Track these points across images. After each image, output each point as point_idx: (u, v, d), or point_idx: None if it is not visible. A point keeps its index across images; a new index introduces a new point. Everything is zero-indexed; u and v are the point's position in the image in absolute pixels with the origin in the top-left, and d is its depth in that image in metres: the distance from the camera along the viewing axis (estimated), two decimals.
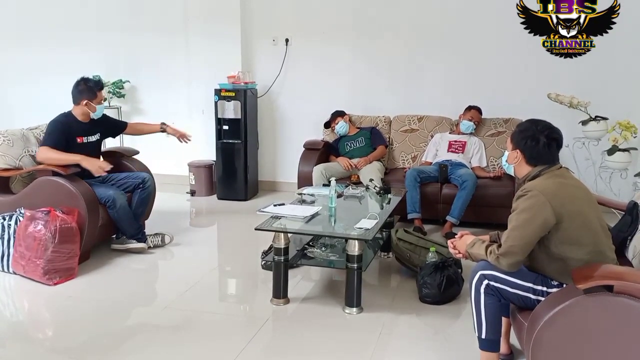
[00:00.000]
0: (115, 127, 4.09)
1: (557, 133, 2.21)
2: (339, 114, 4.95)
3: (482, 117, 4.78)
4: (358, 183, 4.32)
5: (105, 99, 3.82)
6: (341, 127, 4.89)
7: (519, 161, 2.24)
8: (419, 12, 5.09)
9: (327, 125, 5.05)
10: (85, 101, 3.69)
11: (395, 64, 5.24)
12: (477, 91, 4.93)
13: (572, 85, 4.58)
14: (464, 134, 4.68)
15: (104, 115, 3.94)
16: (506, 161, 2.33)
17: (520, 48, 4.83)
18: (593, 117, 4.36)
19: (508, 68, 4.93)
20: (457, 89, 5.02)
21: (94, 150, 3.82)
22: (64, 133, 3.61)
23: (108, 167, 3.65)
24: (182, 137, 4.19)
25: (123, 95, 5.76)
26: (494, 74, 4.98)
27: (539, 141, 2.17)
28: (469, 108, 4.71)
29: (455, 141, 4.66)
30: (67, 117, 3.71)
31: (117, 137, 4.95)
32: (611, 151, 4.29)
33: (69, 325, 2.85)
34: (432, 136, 4.86)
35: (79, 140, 3.69)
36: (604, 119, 4.35)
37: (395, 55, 5.23)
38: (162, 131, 4.16)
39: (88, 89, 3.70)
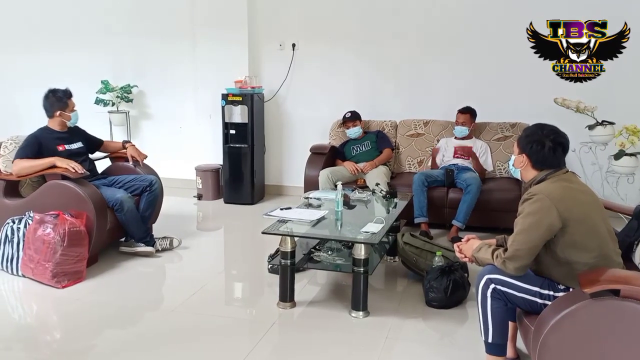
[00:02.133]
0: (93, 142, 4.04)
1: (563, 137, 2.21)
2: (359, 117, 4.89)
3: (489, 121, 4.78)
4: (364, 187, 4.33)
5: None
6: (356, 131, 4.85)
7: (525, 165, 2.25)
8: (425, 17, 5.11)
9: (344, 121, 4.91)
10: (59, 112, 3.72)
11: (401, 68, 5.26)
12: (483, 95, 4.93)
13: (579, 90, 4.59)
14: (466, 138, 4.66)
15: (83, 130, 3.96)
16: (513, 165, 2.34)
17: (525, 51, 4.82)
18: (600, 121, 4.36)
19: (514, 72, 4.92)
20: (462, 93, 5.00)
21: (80, 159, 3.75)
22: (38, 145, 3.61)
23: (81, 169, 3.54)
24: (135, 158, 4.07)
25: (131, 100, 5.81)
26: (500, 78, 4.97)
27: (545, 145, 2.17)
28: (457, 112, 4.66)
29: (461, 147, 4.65)
30: (43, 130, 3.74)
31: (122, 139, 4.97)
32: (618, 156, 4.28)
33: (76, 328, 2.87)
34: (437, 140, 4.86)
35: (60, 148, 3.70)
36: (611, 123, 4.34)
37: (401, 59, 5.24)
38: (124, 149, 4.11)
39: (58, 99, 3.72)
